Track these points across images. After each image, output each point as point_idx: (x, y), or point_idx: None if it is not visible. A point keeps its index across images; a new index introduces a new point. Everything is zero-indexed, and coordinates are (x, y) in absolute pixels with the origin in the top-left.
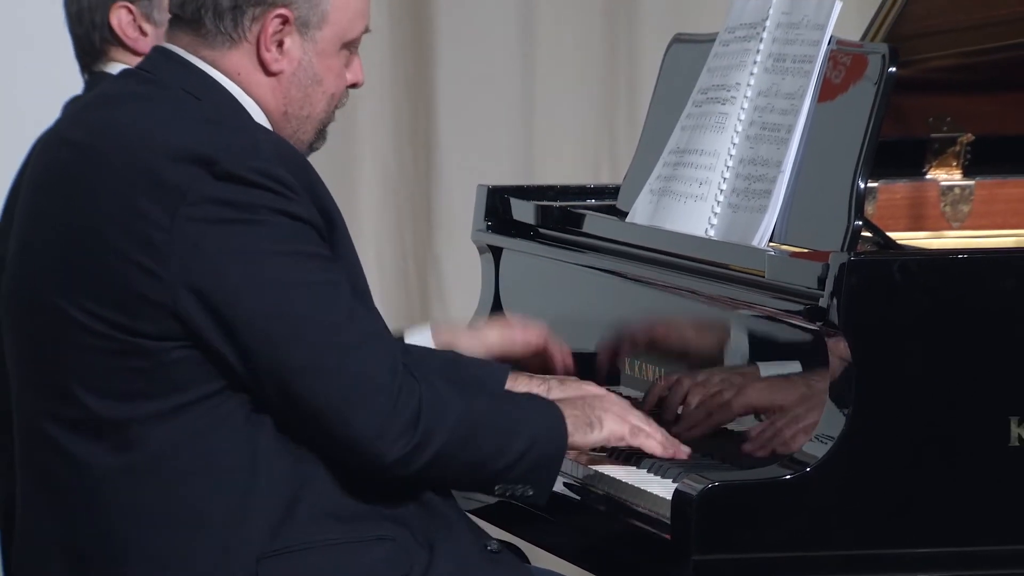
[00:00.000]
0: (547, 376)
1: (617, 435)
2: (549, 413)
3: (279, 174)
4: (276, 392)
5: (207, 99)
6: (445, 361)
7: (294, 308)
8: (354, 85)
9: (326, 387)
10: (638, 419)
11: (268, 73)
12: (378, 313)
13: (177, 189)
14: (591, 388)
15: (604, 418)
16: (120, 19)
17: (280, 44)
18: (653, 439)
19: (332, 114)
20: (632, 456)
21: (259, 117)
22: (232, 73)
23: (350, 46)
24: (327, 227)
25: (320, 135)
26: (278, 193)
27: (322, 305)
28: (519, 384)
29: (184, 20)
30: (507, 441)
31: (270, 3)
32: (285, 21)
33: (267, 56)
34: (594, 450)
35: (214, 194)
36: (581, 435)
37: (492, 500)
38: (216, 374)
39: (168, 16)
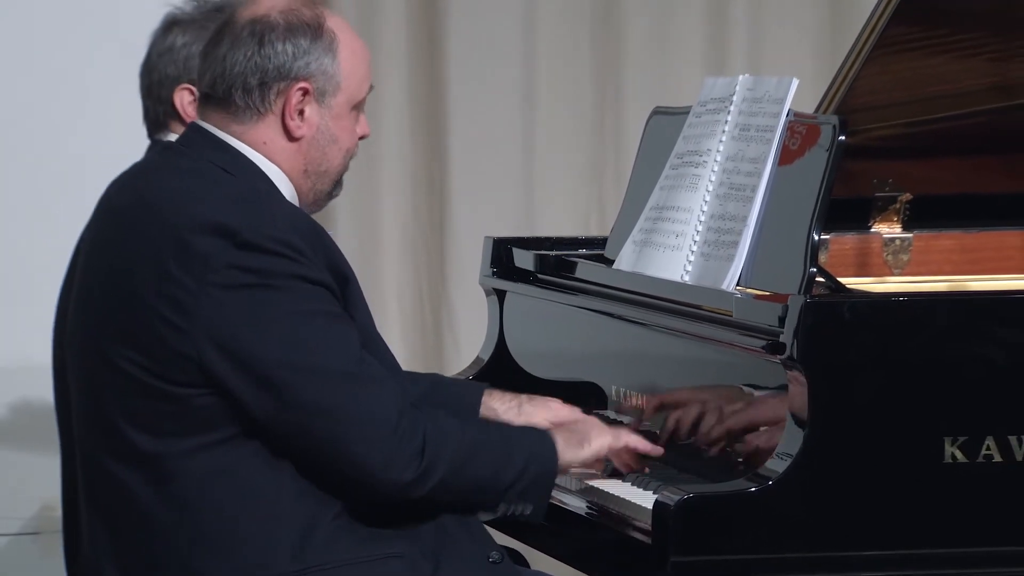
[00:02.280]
0: (518, 394)
1: (605, 446)
2: (540, 438)
3: (294, 242)
4: (297, 432)
5: (235, 172)
6: (430, 383)
7: (309, 359)
8: (363, 137)
9: (339, 427)
10: (616, 436)
11: (291, 139)
12: (390, 353)
13: (203, 257)
14: (555, 404)
15: (591, 435)
16: (182, 99)
17: (301, 112)
18: (633, 440)
19: (347, 165)
20: (607, 463)
21: (281, 182)
22: (258, 144)
23: (359, 106)
24: (340, 283)
25: (338, 184)
26: (292, 259)
27: (333, 356)
28: (493, 399)
29: (215, 98)
30: (503, 464)
31: (292, 78)
32: (306, 92)
33: (291, 124)
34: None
35: (236, 262)
36: (572, 453)
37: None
38: (237, 418)
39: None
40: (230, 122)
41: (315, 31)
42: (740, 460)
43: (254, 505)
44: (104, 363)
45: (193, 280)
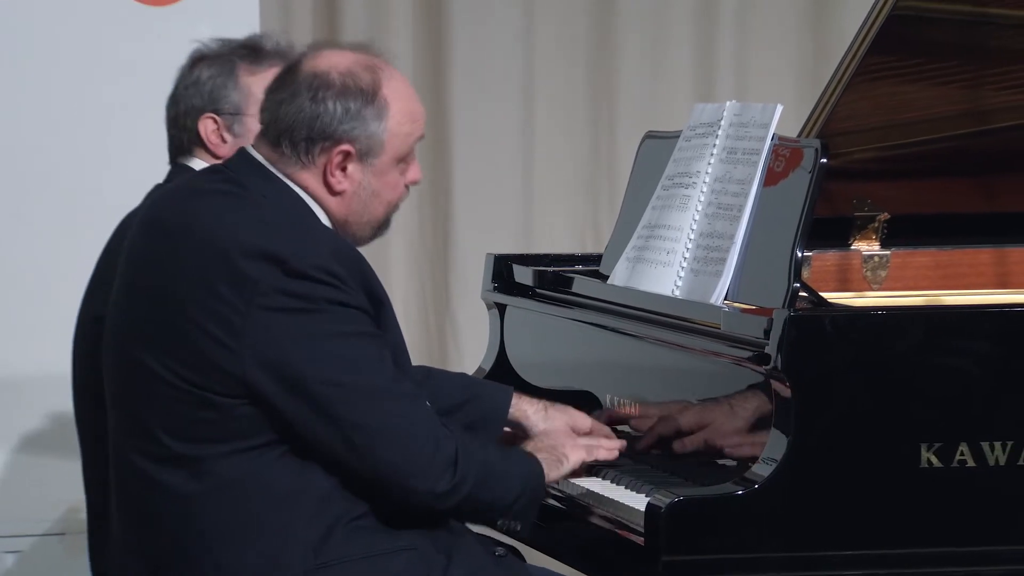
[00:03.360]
0: (542, 399)
1: (580, 460)
2: (531, 463)
3: (335, 270)
4: (339, 446)
5: (280, 203)
6: (460, 385)
7: (350, 377)
8: (413, 183)
9: (380, 440)
10: (588, 439)
11: (332, 193)
12: (415, 378)
13: (253, 281)
14: (572, 410)
15: (568, 453)
16: (206, 127)
17: (343, 169)
18: (603, 448)
19: (390, 214)
20: (601, 469)
21: (321, 213)
22: (302, 186)
23: (407, 159)
24: (376, 306)
25: (382, 227)
26: (334, 286)
27: (372, 374)
28: (523, 402)
29: (268, 137)
30: (509, 485)
31: (336, 139)
32: (348, 155)
33: (331, 180)
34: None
35: (283, 287)
36: (555, 472)
37: None
38: (271, 428)
39: (246, 130)
40: (278, 161)
41: (368, 96)
42: (727, 464)
43: (280, 505)
44: (145, 372)
45: (242, 302)
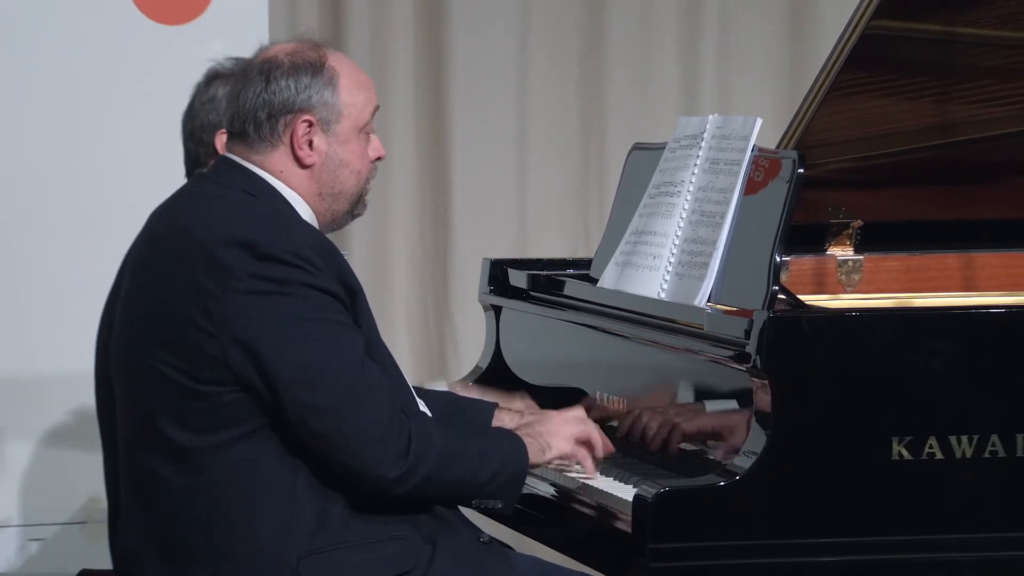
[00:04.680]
0: (522, 411)
1: (564, 454)
2: (513, 443)
3: (307, 255)
4: (298, 427)
5: (257, 195)
6: (445, 401)
7: (315, 361)
8: (378, 159)
9: (335, 425)
10: (580, 432)
11: (303, 166)
12: (393, 361)
13: (228, 267)
14: (553, 414)
15: (552, 442)
16: (223, 142)
17: (310, 143)
18: (588, 460)
19: (365, 186)
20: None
21: (299, 205)
22: (276, 171)
23: (366, 128)
24: (349, 295)
25: (359, 203)
26: (306, 270)
27: (337, 360)
28: (503, 415)
29: (235, 134)
30: (480, 467)
31: (297, 110)
32: (311, 124)
33: (300, 153)
34: None
35: (256, 271)
36: (537, 457)
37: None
38: (261, 412)
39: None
40: (250, 153)
41: (316, 68)
42: (711, 457)
43: (274, 493)
44: (145, 369)
45: (219, 288)
